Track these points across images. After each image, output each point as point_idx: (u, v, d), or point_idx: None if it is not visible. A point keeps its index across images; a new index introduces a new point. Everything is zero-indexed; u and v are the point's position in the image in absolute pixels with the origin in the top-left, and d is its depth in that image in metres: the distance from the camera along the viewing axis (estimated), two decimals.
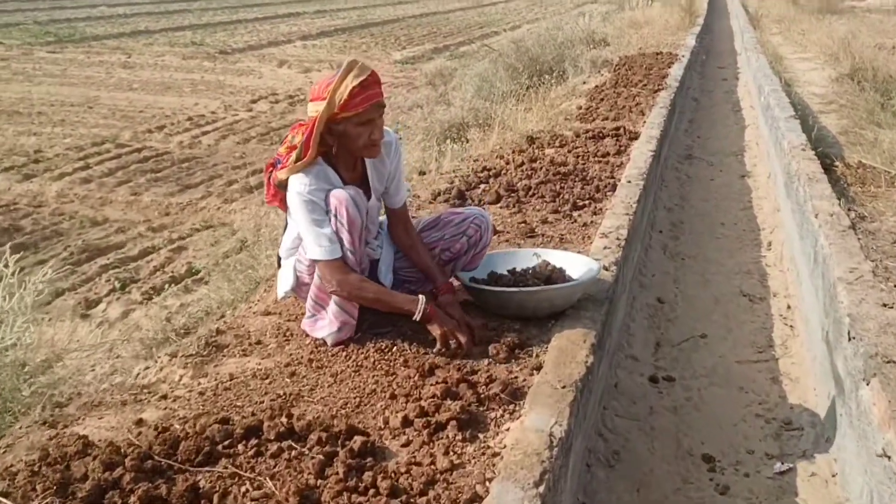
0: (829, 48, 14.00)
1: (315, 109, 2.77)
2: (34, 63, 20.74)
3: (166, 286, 7.93)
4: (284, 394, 2.56)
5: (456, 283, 3.24)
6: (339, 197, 2.76)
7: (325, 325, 2.90)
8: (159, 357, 2.90)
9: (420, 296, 2.84)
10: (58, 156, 12.36)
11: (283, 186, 2.90)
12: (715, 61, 15.59)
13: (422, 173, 6.26)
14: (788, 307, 4.74)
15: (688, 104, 10.71)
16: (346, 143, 2.83)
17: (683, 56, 11.60)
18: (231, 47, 23.69)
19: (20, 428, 2.46)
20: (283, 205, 2.95)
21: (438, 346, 2.81)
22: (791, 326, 4.51)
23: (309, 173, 2.80)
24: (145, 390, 2.64)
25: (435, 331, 2.81)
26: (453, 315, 2.89)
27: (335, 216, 2.76)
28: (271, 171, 3.00)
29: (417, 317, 2.79)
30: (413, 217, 4.32)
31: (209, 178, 11.54)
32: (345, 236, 2.77)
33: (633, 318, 4.45)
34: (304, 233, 2.80)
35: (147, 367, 2.92)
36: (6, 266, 4.19)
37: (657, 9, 19.99)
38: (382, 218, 3.25)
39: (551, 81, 9.89)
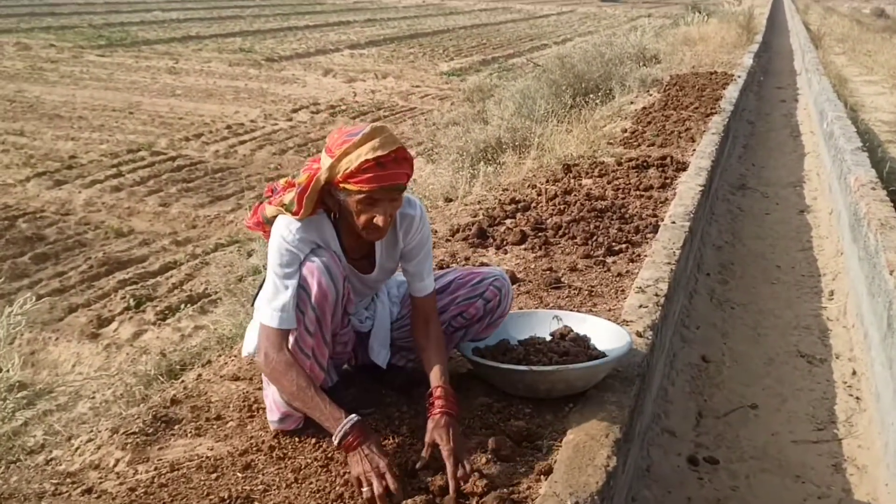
0: None
1: (322, 163, 2.30)
2: (83, 66, 20.85)
3: (182, 306, 7.57)
4: (230, 496, 2.10)
5: (457, 354, 2.75)
6: (311, 267, 2.29)
7: (268, 405, 2.44)
8: (99, 432, 2.45)
9: (350, 417, 2.19)
10: (91, 162, 12.19)
11: (269, 223, 2.44)
12: (773, 81, 14.86)
13: (448, 200, 5.79)
14: (854, 373, 4.15)
15: (742, 128, 10.06)
16: (345, 215, 2.35)
17: (739, 77, 10.95)
18: (278, 55, 23.57)
19: None
20: (268, 235, 2.48)
21: (356, 489, 2.15)
22: (857, 398, 3.92)
23: (301, 220, 2.33)
24: (69, 479, 2.20)
25: (350, 470, 2.17)
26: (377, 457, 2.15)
27: (301, 286, 2.29)
28: (268, 196, 2.54)
29: (335, 439, 2.18)
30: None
31: (241, 190, 11.24)
32: (307, 312, 2.29)
33: (672, 382, 3.90)
34: (265, 288, 2.34)
35: (90, 439, 2.48)
36: None
37: (713, 25, 19.24)
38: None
39: (596, 101, 9.35)
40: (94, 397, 4.19)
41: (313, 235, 2.35)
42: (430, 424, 2.26)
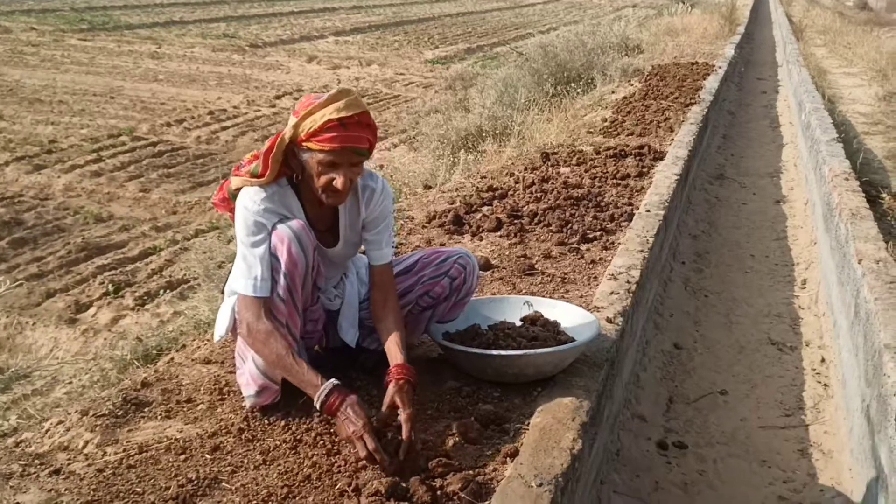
0: (877, 63, 13.30)
1: (288, 125, 2.32)
2: (64, 50, 20.63)
3: (161, 292, 7.56)
4: (198, 477, 2.12)
5: (427, 338, 2.78)
6: (281, 234, 2.32)
7: (244, 381, 2.46)
8: (69, 414, 2.46)
9: (329, 381, 2.23)
10: (72, 147, 12.10)
11: (234, 197, 2.45)
12: (754, 72, 14.93)
13: (427, 187, 5.80)
14: (823, 360, 4.21)
15: (722, 118, 10.12)
16: (307, 179, 2.38)
17: (720, 67, 10.99)
18: (262, 41, 23.40)
19: None
20: (234, 215, 2.50)
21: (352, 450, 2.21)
22: (825, 385, 3.98)
23: (265, 190, 2.36)
24: (37, 460, 2.21)
25: (339, 433, 2.25)
26: (358, 418, 2.19)
27: (273, 255, 2.31)
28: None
29: (316, 405, 2.23)
30: (396, 251, 3.86)
31: (222, 176, 11.15)
32: (279, 280, 2.32)
33: (644, 367, 3.95)
34: (238, 260, 2.36)
35: (60, 421, 2.48)
36: None
37: (697, 16, 19.30)
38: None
39: (577, 90, 9.37)
40: (70, 382, 4.19)
41: (278, 206, 2.38)
42: (391, 388, 2.29)
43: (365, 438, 2.14)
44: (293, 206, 2.43)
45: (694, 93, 8.77)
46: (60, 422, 2.49)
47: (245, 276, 2.32)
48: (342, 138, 2.26)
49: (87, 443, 2.31)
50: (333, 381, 2.23)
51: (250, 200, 2.34)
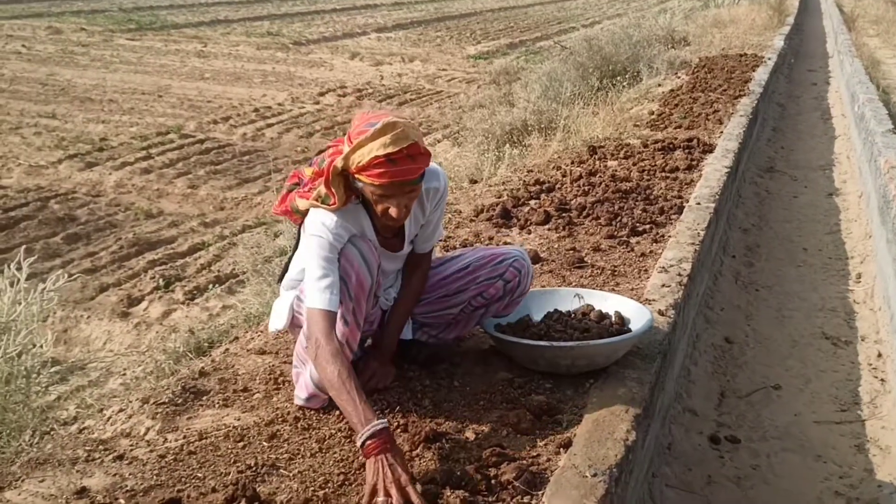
0: None
1: (344, 149, 2.32)
2: (113, 50, 21.05)
3: (210, 286, 7.67)
4: (256, 464, 2.16)
5: (480, 330, 2.78)
6: (350, 257, 2.34)
7: (299, 384, 2.49)
8: (130, 402, 2.53)
9: (378, 422, 2.06)
10: (122, 144, 12.34)
11: (299, 213, 2.48)
12: (804, 64, 14.63)
13: (473, 181, 5.80)
14: (879, 355, 4.12)
15: (772, 111, 9.94)
16: (365, 202, 2.40)
17: (770, 59, 10.80)
18: (306, 38, 23.61)
19: None
20: (296, 220, 2.54)
21: (365, 498, 2.00)
22: (882, 380, 3.90)
23: (337, 212, 2.37)
24: (101, 446, 2.27)
25: (367, 476, 2.04)
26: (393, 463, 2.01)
27: (341, 277, 2.33)
28: (294, 184, 2.58)
29: (358, 442, 2.07)
30: (444, 244, 3.88)
31: (268, 173, 11.31)
32: (345, 302, 2.33)
33: (694, 362, 3.91)
34: (310, 275, 2.35)
35: (122, 409, 2.55)
36: (19, 269, 3.87)
37: (744, 7, 18.96)
38: None
39: (623, 83, 9.28)
40: (124, 373, 4.29)
41: (350, 224, 2.39)
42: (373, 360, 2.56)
43: (409, 491, 1.95)
44: (364, 223, 2.45)
45: (743, 85, 8.63)
46: (122, 409, 2.55)
47: (319, 290, 2.30)
48: (391, 174, 2.24)
49: (148, 430, 2.37)
50: (381, 422, 2.07)
51: (326, 220, 2.35)
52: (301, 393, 2.48)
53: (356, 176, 2.28)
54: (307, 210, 2.43)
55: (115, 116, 14.03)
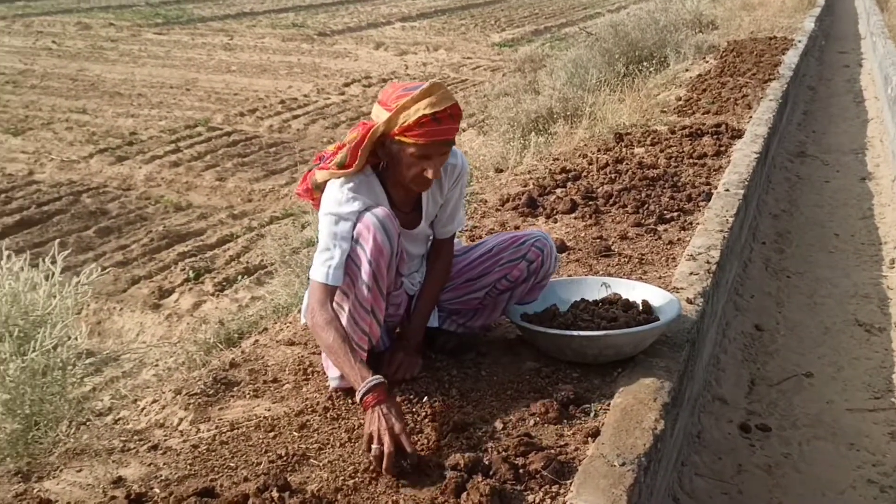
0: None
1: (377, 115, 2.39)
2: (141, 44, 21.24)
3: (239, 277, 7.75)
4: (287, 453, 2.19)
5: (505, 319, 2.79)
6: (367, 222, 2.37)
7: (328, 366, 2.53)
8: (163, 393, 2.57)
9: (375, 377, 2.21)
10: (151, 138, 12.48)
11: (319, 188, 2.52)
12: (835, 46, 14.39)
13: (499, 170, 5.79)
14: None
15: (802, 94, 9.80)
16: (395, 165, 2.44)
17: (800, 41, 10.62)
18: (330, 29, 23.65)
19: None
20: (317, 203, 2.57)
21: (363, 446, 2.17)
22: None
23: (351, 181, 2.42)
24: (136, 436, 2.32)
25: (364, 427, 2.19)
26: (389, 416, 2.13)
27: (357, 242, 2.35)
28: (317, 164, 2.61)
29: (357, 396, 2.22)
30: (470, 234, 3.89)
31: (294, 164, 11.39)
32: (364, 267, 2.36)
33: (724, 350, 3.88)
34: (319, 245, 2.43)
35: (155, 400, 2.60)
36: (53, 263, 3.93)
37: None
38: None
39: (650, 69, 9.19)
40: (157, 365, 4.35)
41: (364, 195, 2.42)
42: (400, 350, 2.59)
43: (402, 437, 2.08)
44: (378, 194, 2.48)
45: (772, 68, 8.50)
46: (155, 400, 2.60)
47: (321, 264, 2.39)
48: (436, 132, 2.33)
49: (181, 420, 2.42)
50: (381, 377, 2.22)
51: (337, 192, 2.40)
52: (333, 373, 2.51)
53: (398, 138, 2.34)
54: (324, 185, 2.47)
55: (144, 110, 14.17)
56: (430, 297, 2.68)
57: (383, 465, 2.06)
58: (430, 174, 2.38)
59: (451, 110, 2.34)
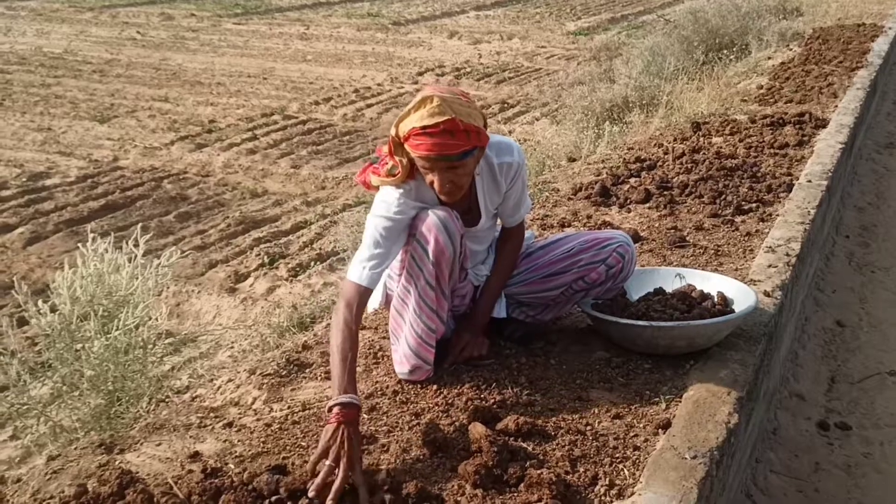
0: None
1: None
2: (221, 34, 21.74)
3: (312, 263, 7.88)
4: None
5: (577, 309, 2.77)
6: (429, 224, 2.36)
7: (397, 359, 2.53)
8: (238, 373, 2.64)
9: (354, 397, 2.10)
10: (229, 126, 12.76)
11: (374, 187, 2.53)
12: None
13: (572, 160, 5.73)
14: None
15: (892, 83, 9.39)
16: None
17: (890, 28, 10.17)
18: (405, 18, 23.75)
19: (74, 449, 2.27)
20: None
21: (314, 456, 2.02)
22: None
23: (402, 187, 2.41)
24: (212, 413, 2.39)
25: (321, 438, 2.04)
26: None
27: (419, 242, 2.37)
28: (378, 157, 2.63)
29: (328, 405, 2.11)
30: (542, 222, 3.86)
31: (368, 153, 11.49)
32: (427, 268, 2.37)
33: (803, 346, 3.77)
34: (361, 247, 2.44)
35: (230, 380, 2.67)
36: (136, 246, 4.08)
37: None
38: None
39: (730, 57, 8.94)
40: (232, 346, 4.47)
41: (415, 200, 2.42)
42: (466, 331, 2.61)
43: (347, 463, 1.94)
44: (429, 197, 2.45)
45: (860, 56, 8.17)
46: (230, 380, 2.67)
47: (358, 263, 2.37)
48: (428, 146, 2.24)
49: (255, 399, 2.47)
50: (355, 398, 2.10)
51: (388, 198, 2.40)
52: (402, 368, 2.52)
53: (405, 146, 2.31)
54: (378, 187, 2.47)
55: (223, 99, 14.50)
56: (499, 282, 2.67)
57: (330, 494, 1.90)
58: (436, 187, 2.31)
59: (446, 126, 2.21)
